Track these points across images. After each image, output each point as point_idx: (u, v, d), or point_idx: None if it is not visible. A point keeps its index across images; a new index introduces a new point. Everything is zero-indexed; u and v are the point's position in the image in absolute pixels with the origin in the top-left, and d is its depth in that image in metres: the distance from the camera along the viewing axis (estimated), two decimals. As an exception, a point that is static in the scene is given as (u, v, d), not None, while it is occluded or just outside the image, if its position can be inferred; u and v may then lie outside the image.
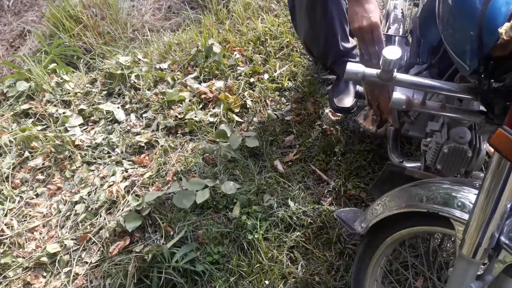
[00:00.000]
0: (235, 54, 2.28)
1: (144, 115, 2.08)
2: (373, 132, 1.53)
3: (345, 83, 1.79)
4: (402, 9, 1.65)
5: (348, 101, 1.72)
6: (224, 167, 1.75)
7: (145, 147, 1.93)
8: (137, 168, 1.84)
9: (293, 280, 1.43)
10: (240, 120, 1.95)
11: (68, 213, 1.70)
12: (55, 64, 2.41)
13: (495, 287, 0.86)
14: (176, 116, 2.02)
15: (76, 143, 1.94)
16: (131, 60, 2.36)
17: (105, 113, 2.10)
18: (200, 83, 2.17)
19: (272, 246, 1.48)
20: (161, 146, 1.90)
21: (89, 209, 1.69)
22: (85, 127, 2.06)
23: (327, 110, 1.90)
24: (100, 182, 1.78)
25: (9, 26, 3.25)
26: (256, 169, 1.73)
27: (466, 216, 0.79)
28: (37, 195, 1.80)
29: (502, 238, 0.75)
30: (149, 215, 1.62)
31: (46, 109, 2.12)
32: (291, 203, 1.58)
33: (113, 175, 1.80)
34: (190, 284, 1.43)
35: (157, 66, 2.33)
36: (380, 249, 1.09)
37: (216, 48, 2.26)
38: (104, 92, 2.23)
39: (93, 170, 1.85)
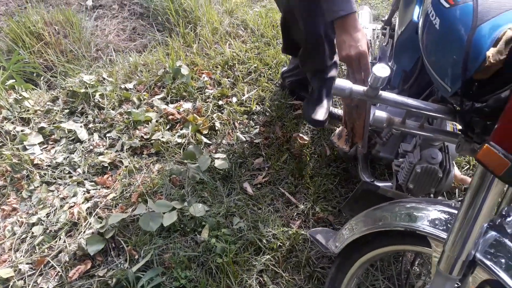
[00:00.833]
0: (203, 77, 2.28)
1: (108, 135, 2.02)
2: (346, 151, 1.56)
3: (319, 96, 1.79)
4: (371, 36, 1.72)
5: (321, 114, 1.73)
6: (192, 189, 1.71)
7: (109, 167, 1.87)
8: (99, 189, 1.77)
9: (263, 304, 1.41)
10: (208, 142, 1.94)
11: (23, 236, 1.59)
12: (13, 80, 2.31)
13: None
14: (142, 136, 1.97)
15: (35, 162, 1.85)
16: (95, 79, 2.30)
17: (66, 132, 2.02)
18: (167, 104, 2.15)
19: (242, 270, 1.46)
20: (126, 166, 1.84)
21: (48, 231, 1.59)
22: (45, 146, 1.97)
23: (294, 134, 1.93)
24: (60, 203, 1.69)
25: (-38, 40, 3.09)
26: (225, 191, 1.72)
27: (443, 235, 0.81)
28: (-11, 217, 1.68)
29: (478, 255, 0.78)
30: (112, 238, 1.55)
31: (3, 126, 2.01)
32: (260, 226, 1.57)
33: (74, 196, 1.72)
34: (156, 310, 1.37)
35: (123, 86, 2.29)
36: (352, 270, 1.10)
37: (184, 70, 2.25)
38: (66, 111, 2.15)
39: (52, 191, 1.76)
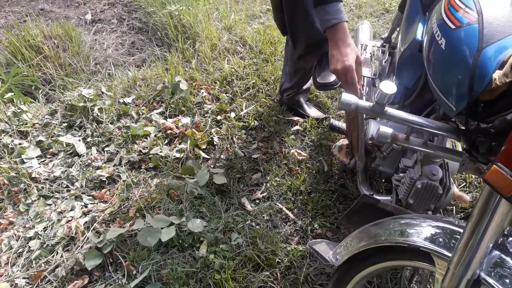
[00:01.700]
0: (202, 92, 2.30)
1: (106, 149, 2.02)
2: (345, 163, 1.57)
3: (327, 61, 1.70)
4: (371, 52, 1.75)
5: (331, 77, 1.68)
6: (190, 203, 1.71)
7: (107, 181, 1.87)
8: (97, 204, 1.76)
9: (261, 321, 1.40)
10: (207, 156, 1.95)
11: (20, 250, 1.58)
12: (12, 94, 2.32)
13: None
14: (140, 151, 1.98)
15: (33, 175, 1.84)
16: (94, 93, 2.31)
17: (64, 146, 2.02)
18: (166, 118, 2.16)
19: (240, 287, 1.45)
20: (124, 181, 1.84)
21: (45, 245, 1.58)
22: (43, 160, 1.97)
23: (292, 150, 1.94)
24: (57, 217, 1.69)
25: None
26: (223, 206, 1.72)
27: (447, 252, 0.81)
28: (-15, 230, 1.67)
29: (482, 274, 0.78)
30: (110, 253, 1.54)
31: (0, 139, 2.01)
32: (259, 242, 1.57)
33: (71, 210, 1.71)
34: (154, 327, 1.36)
35: (121, 100, 2.30)
36: (351, 285, 1.10)
37: (183, 85, 2.27)
38: (65, 124, 2.16)
39: (50, 205, 1.75)
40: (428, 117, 1.08)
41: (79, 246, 1.57)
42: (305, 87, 2.09)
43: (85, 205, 1.75)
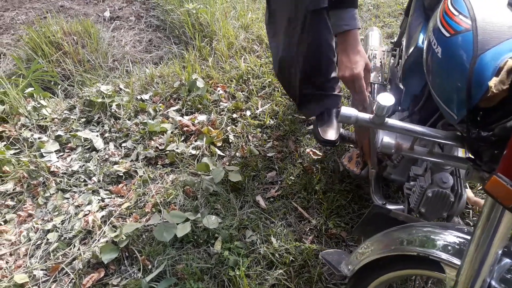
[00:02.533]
0: (218, 90, 2.31)
1: (124, 144, 2.05)
2: (356, 173, 1.57)
3: (328, 116, 1.81)
4: (380, 58, 1.74)
5: (332, 133, 1.74)
6: (206, 200, 1.73)
7: (123, 177, 1.89)
8: (114, 198, 1.79)
9: (275, 318, 1.40)
10: (222, 154, 1.96)
11: (38, 242, 1.61)
12: (32, 89, 2.36)
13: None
14: (156, 147, 2.00)
15: (52, 169, 1.88)
16: (112, 89, 2.34)
17: (83, 141, 2.05)
18: (182, 115, 2.17)
19: (254, 284, 1.46)
20: (140, 176, 1.86)
21: (62, 238, 1.61)
22: (61, 154, 2.00)
23: (308, 149, 1.94)
24: (75, 210, 1.72)
25: (-17, 48, 3.16)
26: (238, 204, 1.73)
27: (456, 261, 0.80)
28: (5, 222, 1.70)
29: (493, 283, 0.77)
30: (126, 247, 1.56)
31: (21, 133, 2.05)
32: (273, 240, 1.57)
33: (89, 204, 1.74)
34: (168, 321, 1.37)
35: (139, 97, 2.32)
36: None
37: (200, 83, 2.28)
38: (83, 120, 2.19)
39: (68, 198, 1.78)
40: (437, 123, 1.07)
41: (95, 239, 1.59)
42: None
43: (102, 200, 1.77)
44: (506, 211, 0.67)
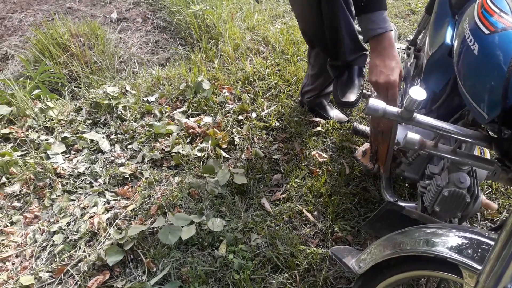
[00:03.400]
0: (224, 92, 2.31)
1: (129, 146, 2.05)
2: (370, 169, 1.55)
3: (349, 75, 1.70)
4: None
5: (352, 95, 1.64)
6: (211, 202, 1.72)
7: (129, 178, 1.89)
8: (119, 200, 1.79)
9: (279, 323, 1.40)
10: (227, 156, 1.95)
11: (44, 244, 1.62)
12: (39, 90, 2.37)
13: None
14: (162, 149, 2.00)
15: (58, 171, 1.88)
16: (118, 91, 2.35)
17: (89, 142, 2.06)
18: (188, 117, 2.17)
19: None
20: (146, 178, 1.87)
21: (68, 240, 1.62)
22: (67, 155, 2.01)
23: (314, 152, 1.93)
24: (80, 212, 1.72)
25: (-9, 49, 3.19)
26: (243, 206, 1.72)
27: (475, 265, 0.79)
28: (11, 223, 1.71)
29: None
30: (131, 249, 1.56)
31: (28, 134, 2.06)
32: (278, 243, 1.56)
33: (94, 206, 1.75)
34: (172, 324, 1.37)
35: (145, 99, 2.33)
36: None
37: (206, 85, 2.28)
38: (89, 121, 2.20)
39: (73, 200, 1.78)
40: (456, 123, 1.05)
41: (101, 242, 1.60)
42: (326, 90, 2.07)
43: (108, 202, 1.78)
44: None
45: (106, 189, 1.83)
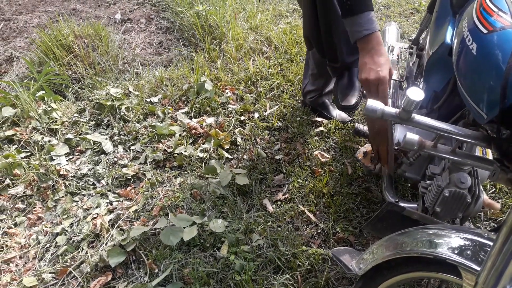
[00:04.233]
0: (227, 92, 2.31)
1: (132, 147, 2.06)
2: (371, 169, 1.54)
3: (348, 78, 1.70)
4: (398, 54, 1.71)
5: (352, 98, 1.64)
6: (213, 203, 1.73)
7: (132, 179, 1.90)
8: (122, 201, 1.80)
9: (281, 324, 1.39)
10: (229, 156, 1.95)
11: (47, 245, 1.63)
12: (43, 92, 2.39)
13: None
14: (165, 150, 2.00)
15: (61, 172, 1.90)
16: (122, 92, 2.36)
17: (92, 144, 2.07)
18: (190, 118, 2.18)
19: (260, 288, 1.45)
20: (148, 179, 1.87)
21: (71, 241, 1.63)
22: (71, 157, 2.02)
23: (316, 152, 1.92)
24: (83, 213, 1.73)
25: (-4, 51, 3.21)
26: (245, 207, 1.72)
27: (474, 265, 0.78)
28: (15, 225, 1.73)
29: None
30: (133, 250, 1.57)
31: (31, 136, 2.08)
32: (280, 244, 1.56)
33: (97, 207, 1.75)
34: (174, 325, 1.37)
35: (148, 100, 2.33)
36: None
37: (208, 86, 2.28)
38: (92, 123, 2.21)
39: (76, 201, 1.80)
40: (457, 122, 1.04)
41: (103, 243, 1.60)
42: (328, 89, 2.07)
43: (110, 203, 1.79)
44: None
45: (108, 190, 1.84)
